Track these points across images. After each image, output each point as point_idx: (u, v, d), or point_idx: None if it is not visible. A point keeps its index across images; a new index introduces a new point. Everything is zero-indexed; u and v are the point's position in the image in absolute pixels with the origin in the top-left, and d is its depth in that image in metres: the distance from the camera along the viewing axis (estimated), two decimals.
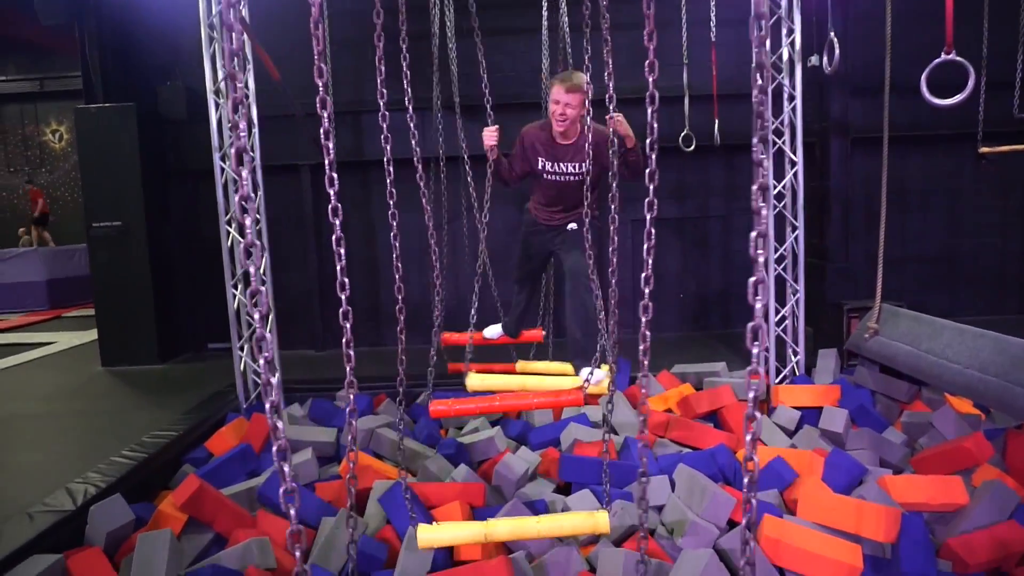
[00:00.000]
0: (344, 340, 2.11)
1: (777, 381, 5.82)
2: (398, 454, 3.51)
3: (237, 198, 1.57)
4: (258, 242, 1.45)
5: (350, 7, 7.22)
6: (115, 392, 6.67)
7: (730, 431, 4.95)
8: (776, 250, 5.88)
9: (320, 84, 1.86)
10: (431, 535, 2.75)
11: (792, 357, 5.92)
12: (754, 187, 1.41)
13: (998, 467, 4.09)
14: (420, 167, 3.71)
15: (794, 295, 5.87)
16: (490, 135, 3.61)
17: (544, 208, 3.94)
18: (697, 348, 7.36)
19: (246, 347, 5.95)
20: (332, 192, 1.96)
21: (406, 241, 8.05)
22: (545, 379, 3.90)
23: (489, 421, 5.27)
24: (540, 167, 3.76)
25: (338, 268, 2.01)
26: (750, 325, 1.49)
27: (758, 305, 1.49)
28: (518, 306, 4.39)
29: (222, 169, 5.72)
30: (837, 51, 5.14)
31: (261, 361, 1.50)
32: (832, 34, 5.13)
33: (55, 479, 4.10)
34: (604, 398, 5.37)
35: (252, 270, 1.46)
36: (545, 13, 5.49)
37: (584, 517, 2.94)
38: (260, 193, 5.92)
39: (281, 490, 1.51)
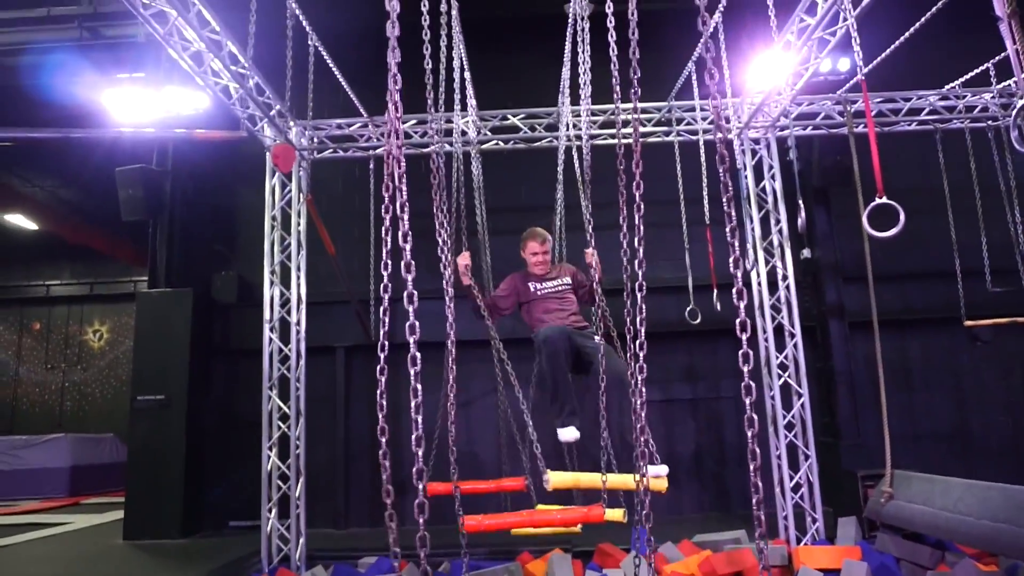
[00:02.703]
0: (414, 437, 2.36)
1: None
2: None
3: None
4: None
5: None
6: (137, 560, 6.68)
7: None
8: (784, 417, 6.17)
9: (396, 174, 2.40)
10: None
11: (811, 524, 5.96)
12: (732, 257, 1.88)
13: None
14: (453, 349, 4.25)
15: (806, 460, 6.05)
16: (462, 258, 4.57)
17: (549, 319, 4.58)
18: (717, 525, 7.32)
19: (274, 510, 6.09)
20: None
21: (427, 420, 8.46)
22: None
23: None
24: (532, 290, 4.72)
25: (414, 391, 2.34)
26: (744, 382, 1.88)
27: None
28: (563, 398, 4.35)
29: (270, 339, 6.29)
30: (803, 214, 5.87)
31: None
32: (800, 201, 5.90)
33: None
34: (625, 562, 5.42)
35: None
36: (560, 213, 6.42)
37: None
38: (302, 364, 6.43)
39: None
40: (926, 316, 8.49)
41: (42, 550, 7.22)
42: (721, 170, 2.08)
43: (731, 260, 2.12)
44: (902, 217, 3.93)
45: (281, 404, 6.28)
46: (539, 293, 4.71)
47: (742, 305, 2.05)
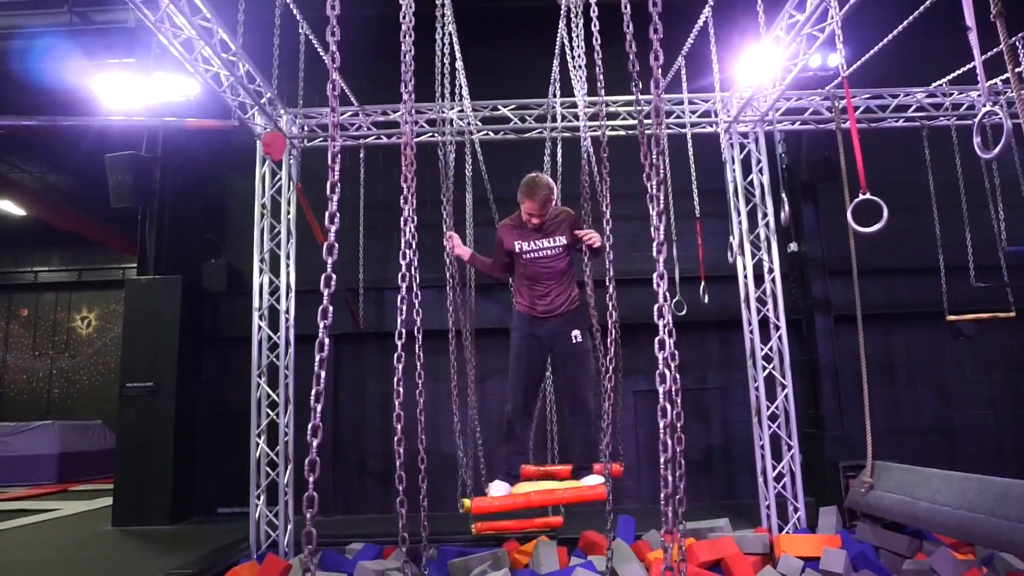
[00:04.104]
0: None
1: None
2: None
3: None
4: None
5: (381, 198, 8.31)
6: (126, 545, 6.71)
7: None
8: (768, 408, 6.25)
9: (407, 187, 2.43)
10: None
11: (793, 514, 6.05)
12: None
13: None
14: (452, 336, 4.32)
15: (789, 451, 6.14)
16: (450, 239, 4.26)
17: (530, 297, 4.08)
18: (701, 514, 7.41)
19: (262, 497, 6.13)
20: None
21: (406, 410, 8.52)
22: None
23: (497, 566, 5.33)
24: (518, 250, 4.07)
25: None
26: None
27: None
28: (518, 440, 4.10)
29: (259, 327, 6.31)
30: (787, 207, 5.93)
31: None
32: (784, 196, 5.95)
33: None
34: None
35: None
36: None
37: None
38: (291, 351, 6.46)
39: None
40: (911, 311, 8.59)
41: (31, 536, 7.24)
42: (655, 152, 2.11)
43: (654, 245, 2.15)
44: (885, 213, 4.00)
45: (270, 392, 6.31)
46: (525, 256, 4.06)
47: (661, 291, 2.09)
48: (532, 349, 4.07)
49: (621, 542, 5.56)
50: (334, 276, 2.02)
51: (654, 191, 2.11)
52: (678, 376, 2.15)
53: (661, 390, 2.04)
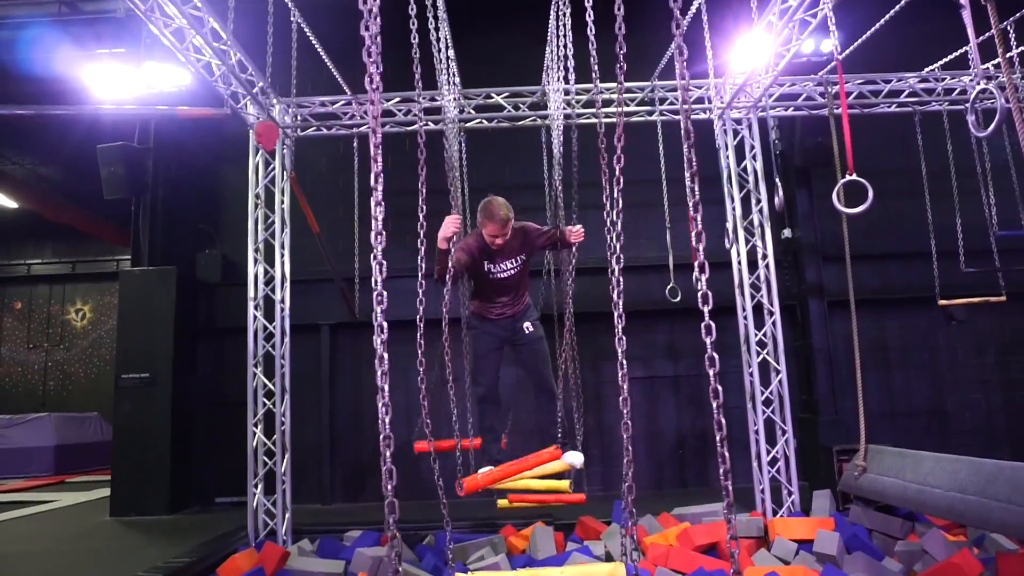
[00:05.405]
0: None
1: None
2: None
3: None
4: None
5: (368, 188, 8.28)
6: (125, 535, 6.74)
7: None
8: (762, 393, 6.29)
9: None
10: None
11: (787, 498, 6.11)
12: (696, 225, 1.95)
13: None
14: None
15: (783, 435, 6.19)
16: (453, 222, 3.88)
17: (488, 304, 4.31)
18: (697, 498, 7.48)
19: (260, 486, 6.16)
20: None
21: (408, 399, 8.56)
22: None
23: (494, 551, 5.38)
24: (487, 270, 4.21)
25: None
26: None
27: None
28: (491, 430, 4.41)
29: (255, 316, 6.31)
30: (781, 192, 5.94)
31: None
32: (778, 179, 5.97)
33: None
34: (605, 533, 5.57)
35: None
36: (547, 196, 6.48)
37: (605, 568, 3.18)
38: (287, 341, 6.47)
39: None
40: (904, 296, 8.65)
41: (29, 528, 7.26)
42: (687, 145, 2.12)
43: (693, 235, 2.13)
44: (870, 194, 4.03)
45: (266, 381, 6.33)
46: (491, 276, 4.24)
47: (703, 279, 2.09)
48: (488, 342, 4.34)
49: (616, 526, 5.62)
50: (384, 262, 2.03)
51: (688, 182, 2.11)
52: (634, 363, 2.16)
53: (712, 372, 2.02)
